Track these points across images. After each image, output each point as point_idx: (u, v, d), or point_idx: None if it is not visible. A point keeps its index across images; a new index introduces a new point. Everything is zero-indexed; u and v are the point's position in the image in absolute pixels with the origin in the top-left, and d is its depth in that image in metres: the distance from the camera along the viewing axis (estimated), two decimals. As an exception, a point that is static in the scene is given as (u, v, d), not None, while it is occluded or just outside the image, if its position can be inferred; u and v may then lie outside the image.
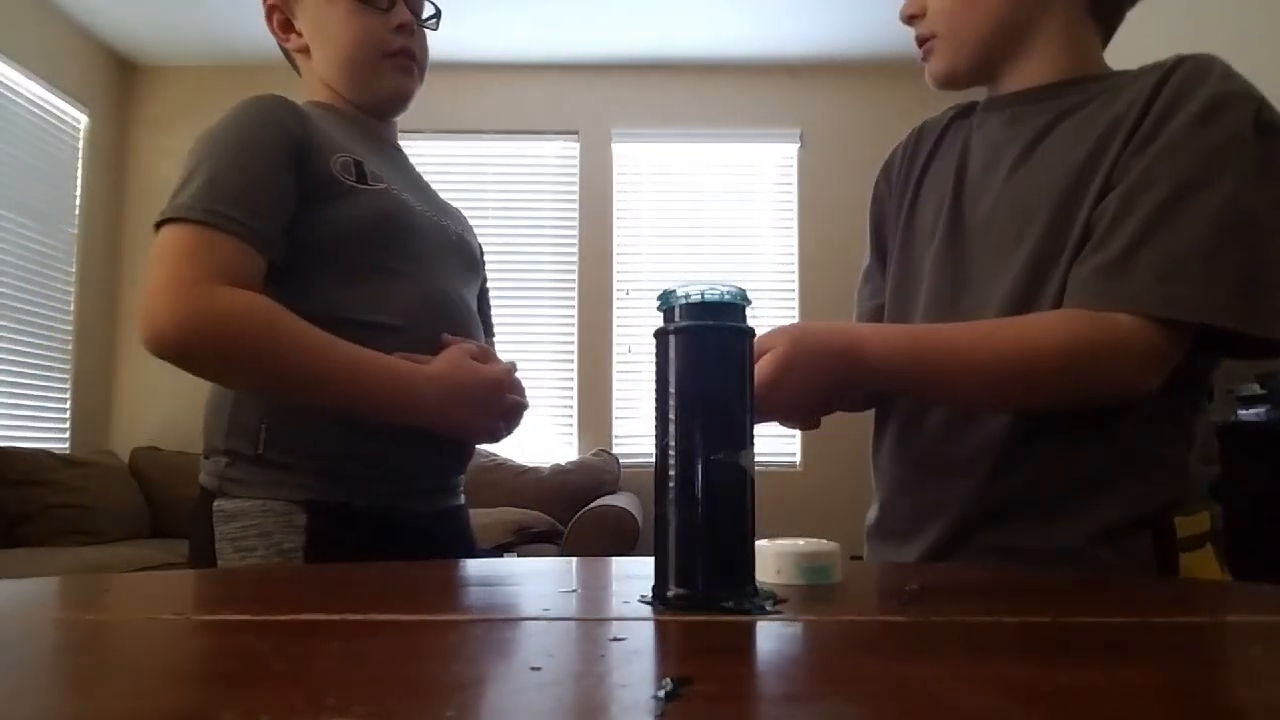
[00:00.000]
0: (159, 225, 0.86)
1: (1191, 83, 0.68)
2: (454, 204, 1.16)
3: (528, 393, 1.01)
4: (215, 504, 0.90)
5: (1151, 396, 0.69)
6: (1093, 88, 0.76)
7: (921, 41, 0.83)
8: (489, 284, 1.19)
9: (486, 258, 1.17)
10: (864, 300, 1.00)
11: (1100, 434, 0.73)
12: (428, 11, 1.08)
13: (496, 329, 1.21)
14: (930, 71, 0.83)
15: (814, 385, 0.71)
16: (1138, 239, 0.65)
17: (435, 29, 1.09)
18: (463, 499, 1.07)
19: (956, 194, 0.82)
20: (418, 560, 0.83)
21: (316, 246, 0.91)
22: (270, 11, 1.03)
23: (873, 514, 0.92)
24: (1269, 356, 0.70)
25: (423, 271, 0.98)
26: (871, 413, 0.94)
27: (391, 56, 1.02)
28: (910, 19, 0.83)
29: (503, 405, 0.95)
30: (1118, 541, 0.73)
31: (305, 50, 1.04)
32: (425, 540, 0.96)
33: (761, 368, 0.68)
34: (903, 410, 0.86)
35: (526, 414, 1.01)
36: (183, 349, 0.82)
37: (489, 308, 1.20)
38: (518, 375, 0.99)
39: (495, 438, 0.99)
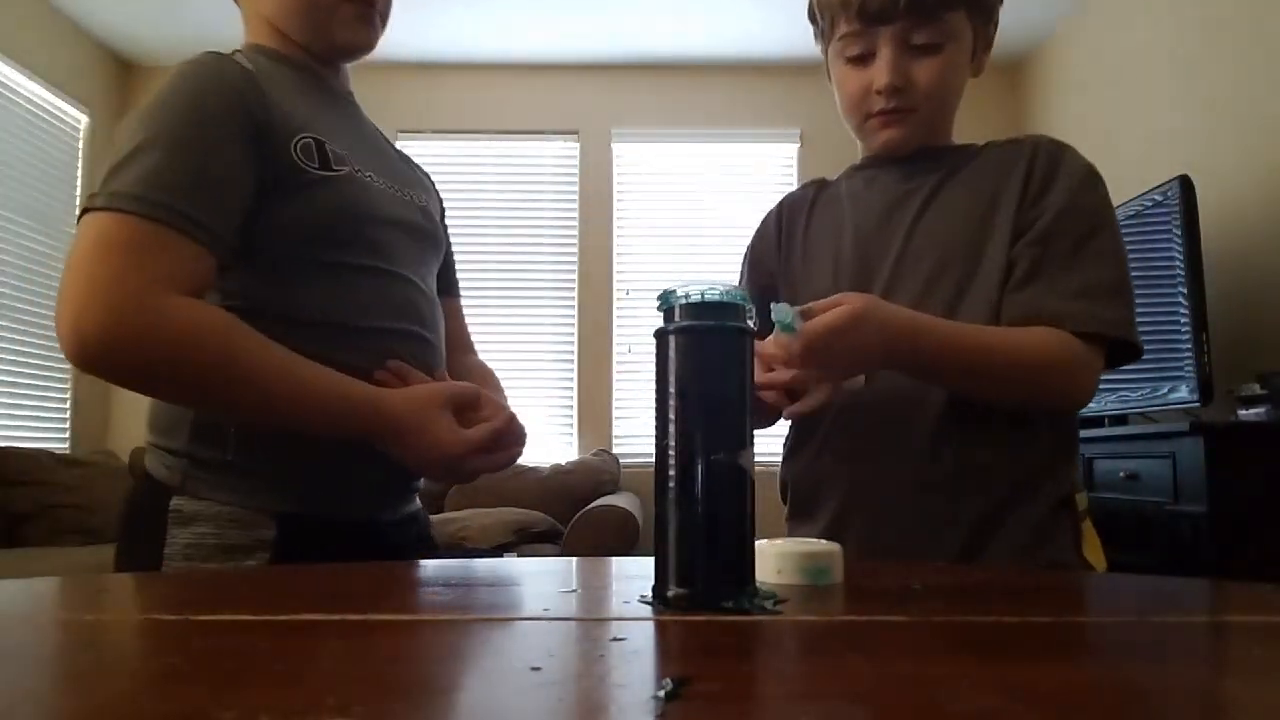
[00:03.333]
0: (86, 212, 0.72)
1: (1058, 157, 0.86)
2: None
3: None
4: (173, 501, 0.81)
5: None
6: (962, 153, 0.92)
7: (896, 111, 0.87)
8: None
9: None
10: None
11: (1036, 433, 0.86)
12: None
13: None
14: (898, 137, 0.89)
15: (869, 348, 0.76)
16: (1064, 269, 0.81)
17: None
18: (419, 503, 1.02)
19: (857, 239, 0.93)
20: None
21: (276, 243, 0.82)
22: None
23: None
24: (1123, 364, 0.87)
25: (386, 262, 0.89)
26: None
27: (350, 1, 0.90)
28: (896, 91, 0.86)
29: (461, 470, 0.85)
30: (1059, 518, 0.86)
31: None
32: (393, 549, 0.90)
33: (833, 316, 0.73)
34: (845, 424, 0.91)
35: (526, 416, 0.96)
36: (117, 363, 0.71)
37: (454, 270, 1.12)
38: (518, 424, 0.90)
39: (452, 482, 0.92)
